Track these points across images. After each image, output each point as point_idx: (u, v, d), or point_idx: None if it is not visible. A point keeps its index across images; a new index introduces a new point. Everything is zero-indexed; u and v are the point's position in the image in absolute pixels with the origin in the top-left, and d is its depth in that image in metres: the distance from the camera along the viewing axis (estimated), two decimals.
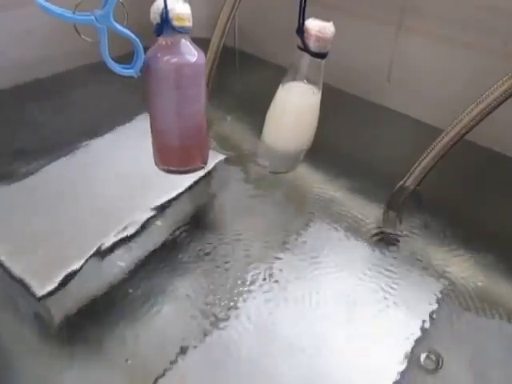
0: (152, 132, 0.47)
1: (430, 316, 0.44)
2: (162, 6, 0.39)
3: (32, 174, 0.57)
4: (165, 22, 0.40)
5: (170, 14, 0.40)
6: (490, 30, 0.59)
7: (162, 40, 0.42)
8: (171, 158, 0.48)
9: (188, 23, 0.41)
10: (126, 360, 0.39)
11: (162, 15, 0.40)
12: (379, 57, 0.71)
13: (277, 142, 0.53)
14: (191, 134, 0.46)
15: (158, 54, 0.41)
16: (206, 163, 0.50)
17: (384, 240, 0.52)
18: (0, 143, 0.63)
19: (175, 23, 0.40)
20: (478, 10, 0.59)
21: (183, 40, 0.42)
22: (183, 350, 0.40)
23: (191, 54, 0.42)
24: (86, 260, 0.47)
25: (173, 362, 0.39)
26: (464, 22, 0.61)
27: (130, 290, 0.45)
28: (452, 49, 0.63)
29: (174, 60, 0.41)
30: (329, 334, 0.42)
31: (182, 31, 0.41)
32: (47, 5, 0.35)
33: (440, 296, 0.46)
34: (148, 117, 0.46)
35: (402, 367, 0.40)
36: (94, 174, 0.58)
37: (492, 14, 0.58)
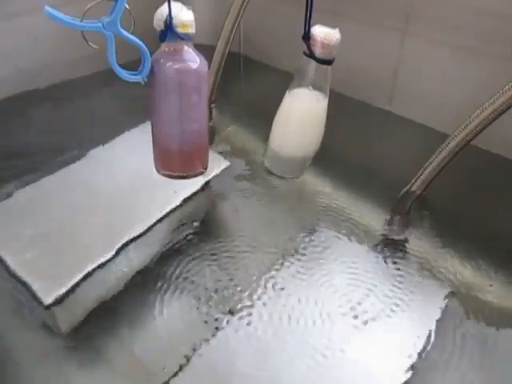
0: (153, 137, 0.47)
1: (437, 322, 0.43)
2: (166, 12, 0.40)
3: (36, 181, 0.57)
4: (168, 29, 0.41)
5: (174, 21, 0.41)
6: (495, 36, 0.58)
7: (165, 46, 0.42)
8: (172, 163, 0.48)
9: (191, 30, 0.42)
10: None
11: (165, 22, 0.41)
12: (384, 62, 0.71)
13: (283, 148, 0.54)
14: (192, 140, 0.46)
15: (161, 60, 0.42)
16: (206, 168, 0.50)
17: (390, 246, 0.51)
18: (2, 148, 0.63)
19: (179, 30, 0.41)
20: (483, 16, 0.58)
21: (186, 46, 0.43)
22: (188, 358, 0.40)
23: (194, 60, 0.43)
24: (93, 268, 0.47)
25: (177, 370, 0.39)
26: (468, 27, 0.60)
27: (136, 298, 0.45)
28: (456, 54, 0.63)
29: (177, 66, 0.42)
30: (334, 342, 0.42)
31: (185, 38, 0.42)
32: (55, 13, 0.35)
33: (447, 301, 0.45)
34: (149, 124, 0.46)
35: (408, 376, 0.39)
36: (97, 182, 0.58)
37: (497, 20, 0.57)
